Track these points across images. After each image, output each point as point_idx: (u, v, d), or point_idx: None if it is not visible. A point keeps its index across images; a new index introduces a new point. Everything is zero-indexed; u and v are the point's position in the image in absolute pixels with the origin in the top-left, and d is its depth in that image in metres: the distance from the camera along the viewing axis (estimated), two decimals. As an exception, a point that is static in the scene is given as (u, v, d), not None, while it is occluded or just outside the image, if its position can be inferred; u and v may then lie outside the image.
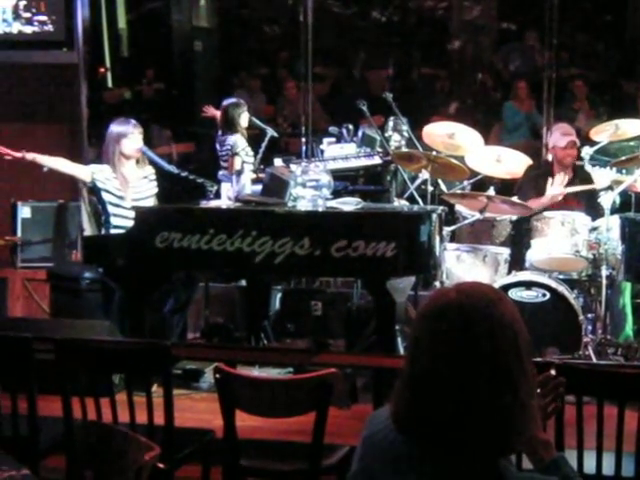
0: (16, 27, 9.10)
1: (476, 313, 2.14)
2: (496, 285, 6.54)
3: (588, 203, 7.35)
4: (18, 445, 4.34)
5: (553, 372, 3.78)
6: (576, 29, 11.83)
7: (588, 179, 7.49)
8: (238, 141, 8.23)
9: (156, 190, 7.24)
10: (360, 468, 2.33)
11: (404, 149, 8.09)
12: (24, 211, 8.62)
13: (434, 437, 2.14)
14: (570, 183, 7.44)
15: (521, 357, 2.16)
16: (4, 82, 9.33)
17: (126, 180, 7.11)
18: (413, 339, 2.21)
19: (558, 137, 7.61)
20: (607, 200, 6.97)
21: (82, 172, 7.24)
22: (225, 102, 8.50)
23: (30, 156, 7.11)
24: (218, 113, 8.59)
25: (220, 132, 8.45)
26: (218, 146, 8.43)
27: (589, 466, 3.99)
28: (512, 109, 11.00)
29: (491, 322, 2.14)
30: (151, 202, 7.21)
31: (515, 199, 7.19)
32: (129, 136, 7.09)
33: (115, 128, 7.14)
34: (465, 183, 7.83)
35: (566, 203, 7.35)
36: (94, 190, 7.26)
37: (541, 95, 9.70)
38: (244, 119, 8.38)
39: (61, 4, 9.03)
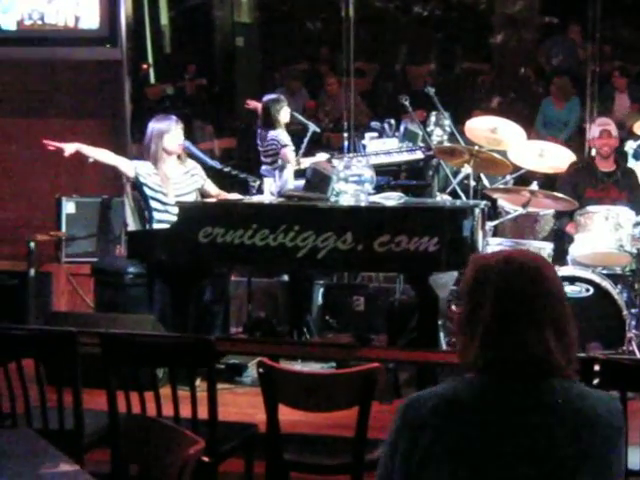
0: (60, 24, 9.17)
1: (538, 262, 2.44)
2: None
3: (631, 197, 7.29)
4: (63, 438, 4.38)
5: (597, 368, 3.79)
6: (619, 22, 11.73)
7: (631, 172, 7.44)
8: (280, 135, 8.23)
9: (198, 185, 7.21)
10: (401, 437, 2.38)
11: (446, 144, 8.07)
12: (68, 206, 8.68)
13: (515, 367, 2.36)
14: (612, 175, 7.39)
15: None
16: (48, 78, 9.41)
17: (167, 176, 7.10)
18: (478, 286, 2.41)
19: (594, 128, 7.67)
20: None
21: (126, 165, 7.21)
22: (265, 98, 8.51)
23: (75, 146, 7.05)
24: (259, 106, 8.61)
25: (260, 128, 8.47)
26: (259, 142, 8.44)
27: (634, 462, 3.97)
28: (549, 106, 10.90)
29: (549, 271, 2.43)
30: (193, 197, 7.19)
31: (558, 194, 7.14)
32: (171, 132, 7.09)
33: (156, 125, 7.13)
34: (508, 178, 7.80)
35: (607, 194, 7.29)
36: (137, 185, 7.24)
37: (584, 89, 9.64)
38: (284, 115, 8.37)
39: (104, 1, 9.08)
